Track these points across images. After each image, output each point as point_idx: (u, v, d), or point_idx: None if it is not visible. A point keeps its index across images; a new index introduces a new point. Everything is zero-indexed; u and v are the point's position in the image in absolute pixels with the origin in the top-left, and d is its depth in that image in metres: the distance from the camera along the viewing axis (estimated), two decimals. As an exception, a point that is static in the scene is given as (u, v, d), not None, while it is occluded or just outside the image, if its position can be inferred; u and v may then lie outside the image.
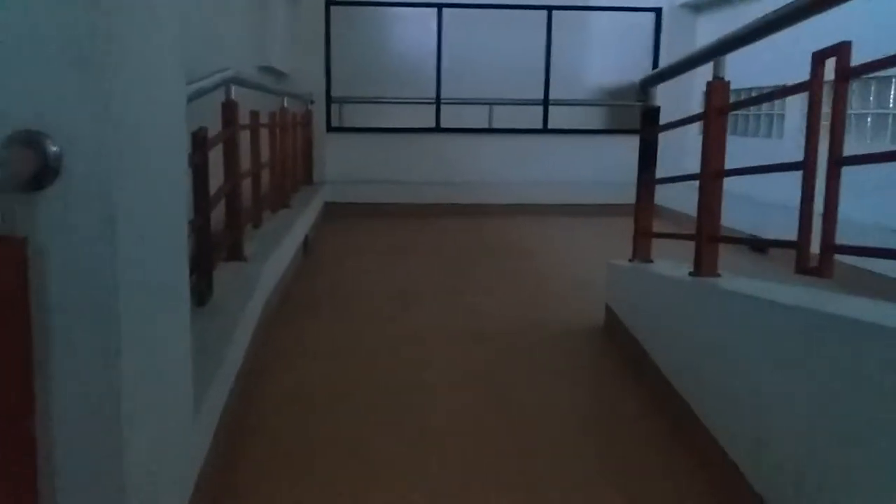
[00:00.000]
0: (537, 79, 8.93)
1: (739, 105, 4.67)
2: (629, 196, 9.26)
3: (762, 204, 6.83)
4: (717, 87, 3.17)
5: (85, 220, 1.28)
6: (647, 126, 3.91)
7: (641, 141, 3.95)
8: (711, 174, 3.19)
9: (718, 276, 3.16)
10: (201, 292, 3.18)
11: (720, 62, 3.18)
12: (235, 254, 3.91)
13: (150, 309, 1.54)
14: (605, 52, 9.38)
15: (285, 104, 6.12)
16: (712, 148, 3.17)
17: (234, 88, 3.84)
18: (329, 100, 8.79)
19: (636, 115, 9.84)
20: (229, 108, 3.83)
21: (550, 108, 8.99)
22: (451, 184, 8.82)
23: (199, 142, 3.10)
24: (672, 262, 3.80)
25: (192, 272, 3.22)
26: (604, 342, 3.98)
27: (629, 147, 9.61)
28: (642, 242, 3.92)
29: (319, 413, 2.99)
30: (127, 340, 1.37)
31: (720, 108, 3.16)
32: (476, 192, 8.78)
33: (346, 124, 8.96)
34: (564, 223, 8.23)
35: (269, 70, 7.17)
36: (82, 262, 1.29)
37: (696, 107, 8.65)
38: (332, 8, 8.73)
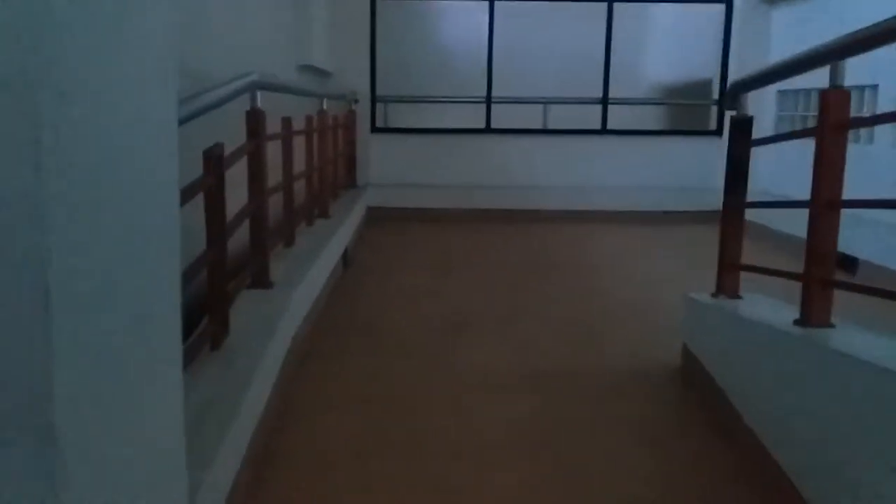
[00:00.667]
0: (596, 76, 8.34)
1: (862, 123, 4.06)
2: (695, 202, 8.75)
3: (848, 216, 6.12)
4: (834, 98, 2.59)
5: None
6: (738, 139, 3.33)
7: (730, 157, 3.37)
8: (825, 204, 2.62)
9: (832, 326, 2.59)
10: (215, 335, 2.74)
11: (838, 68, 2.60)
12: (261, 281, 3.47)
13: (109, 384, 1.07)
14: (670, 48, 8.71)
15: (325, 106, 5.67)
16: (827, 171, 2.61)
17: (260, 94, 3.38)
18: (374, 99, 8.34)
19: (703, 115, 9.28)
20: (254, 118, 3.38)
21: (610, 107, 8.38)
22: (502, 188, 8.30)
23: (214, 162, 2.65)
24: (767, 300, 3.23)
25: (204, 313, 2.79)
26: (681, 390, 3.42)
27: (694, 150, 9.02)
28: (729, 276, 3.34)
29: (341, 486, 2.52)
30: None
31: (839, 124, 2.59)
32: (529, 197, 8.23)
33: (392, 125, 8.50)
34: (626, 233, 7.63)
35: (310, 69, 6.75)
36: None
37: (767, 112, 7.96)
38: (378, 2, 8.26)
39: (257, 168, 3.42)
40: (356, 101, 7.91)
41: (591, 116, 8.41)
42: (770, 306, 3.08)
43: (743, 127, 3.32)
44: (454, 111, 8.62)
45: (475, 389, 3.37)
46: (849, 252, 5.68)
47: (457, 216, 8.07)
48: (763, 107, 8.03)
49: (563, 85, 8.43)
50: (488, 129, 8.37)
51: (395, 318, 4.48)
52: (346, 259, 5.81)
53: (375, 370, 3.58)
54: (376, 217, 7.88)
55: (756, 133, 8.67)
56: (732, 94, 3.35)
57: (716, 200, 8.35)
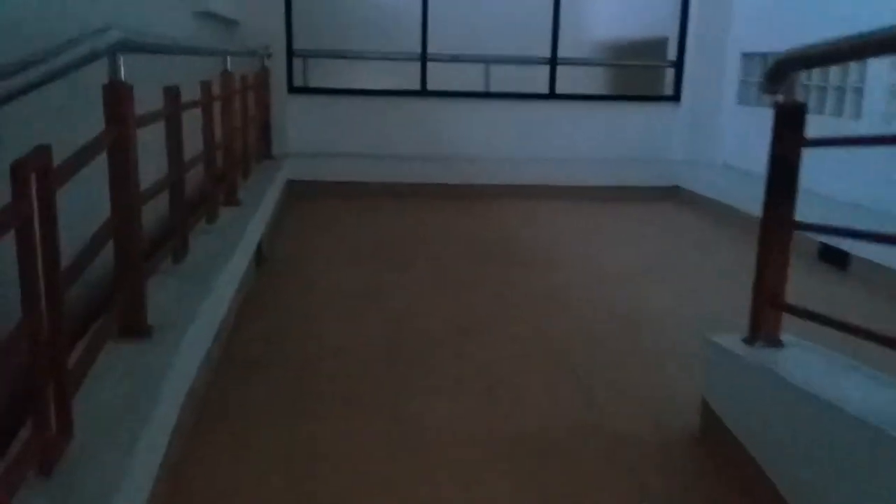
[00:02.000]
0: (543, 33, 7.41)
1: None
2: (652, 176, 7.94)
3: (835, 202, 5.49)
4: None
5: None
6: (786, 133, 2.48)
7: (774, 157, 2.53)
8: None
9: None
10: (44, 451, 1.75)
11: None
12: (133, 329, 2.46)
13: None
14: (624, 3, 7.84)
15: (228, 65, 4.57)
16: None
17: (123, 60, 2.33)
18: (291, 54, 7.19)
19: (658, 78, 8.49)
20: (114, 95, 2.33)
21: (559, 68, 7.49)
22: (440, 159, 7.34)
23: (29, 179, 1.64)
24: (817, 349, 2.45)
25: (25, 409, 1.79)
26: (704, 464, 2.62)
27: (650, 117, 8.15)
28: (770, 316, 2.53)
29: None
30: None
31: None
32: (471, 169, 7.31)
33: (313, 84, 7.38)
34: (580, 211, 6.83)
35: (210, 17, 5.58)
36: None
37: (730, 77, 7.24)
38: (295, -61, 7.08)
39: (122, 167, 2.38)
40: (269, 56, 6.76)
41: (538, 79, 7.50)
42: (826, 365, 2.31)
43: (792, 117, 2.48)
44: (385, 70, 7.58)
45: (434, 470, 2.49)
46: (839, 246, 5.01)
47: (389, 192, 7.09)
48: (728, 70, 7.31)
49: (507, 42, 7.47)
50: (424, 92, 7.37)
51: (323, 343, 3.53)
52: (261, 254, 4.79)
53: (294, 441, 2.65)
54: (297, 193, 6.83)
55: (716, 98, 7.80)
56: (779, 72, 2.49)
57: (673, 174, 7.72)
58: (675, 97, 7.65)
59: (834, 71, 5.82)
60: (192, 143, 3.60)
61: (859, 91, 5.56)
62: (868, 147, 4.73)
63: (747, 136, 7.04)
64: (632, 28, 7.82)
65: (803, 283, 5.04)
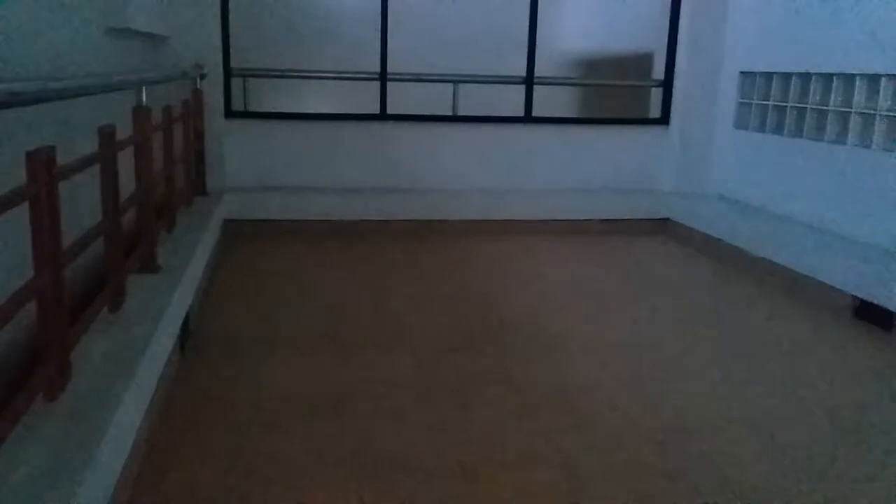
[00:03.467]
0: (518, 49, 6.57)
1: None
2: (640, 208, 6.91)
3: (868, 246, 4.78)
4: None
5: None
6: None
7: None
8: None
9: None
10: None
11: None
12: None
13: None
14: (608, 14, 7.06)
15: (143, 98, 3.58)
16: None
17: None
18: (228, 74, 6.20)
19: (643, 99, 7.68)
20: None
21: (536, 89, 6.66)
22: (404, 193, 6.44)
23: None
24: None
25: None
26: None
27: (636, 142, 7.03)
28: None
29: None
30: None
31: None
32: (439, 204, 6.42)
33: (254, 108, 6.41)
34: (566, 253, 5.98)
35: (128, 35, 4.58)
36: None
37: (725, 98, 6.52)
38: (232, -59, 6.10)
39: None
40: (202, 77, 5.78)
41: (513, 100, 6.66)
42: None
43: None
44: (339, 91, 6.64)
45: None
46: (884, 304, 4.26)
47: (346, 231, 6.16)
48: (722, 91, 6.57)
49: (479, 60, 6.61)
50: (383, 115, 6.45)
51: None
52: (187, 333, 3.81)
53: None
54: (236, 235, 5.86)
55: (710, 122, 6.92)
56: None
57: (664, 206, 6.93)
58: (664, 120, 6.89)
59: (836, 97, 5.12)
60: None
61: (869, 117, 4.85)
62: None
63: (745, 164, 6.31)
64: (614, 42, 7.03)
65: (840, 349, 4.21)
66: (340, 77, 6.51)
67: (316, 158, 6.38)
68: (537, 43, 6.53)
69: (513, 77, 6.63)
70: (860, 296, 4.45)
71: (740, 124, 6.40)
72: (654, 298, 4.89)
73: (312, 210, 6.17)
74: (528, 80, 6.60)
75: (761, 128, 6.10)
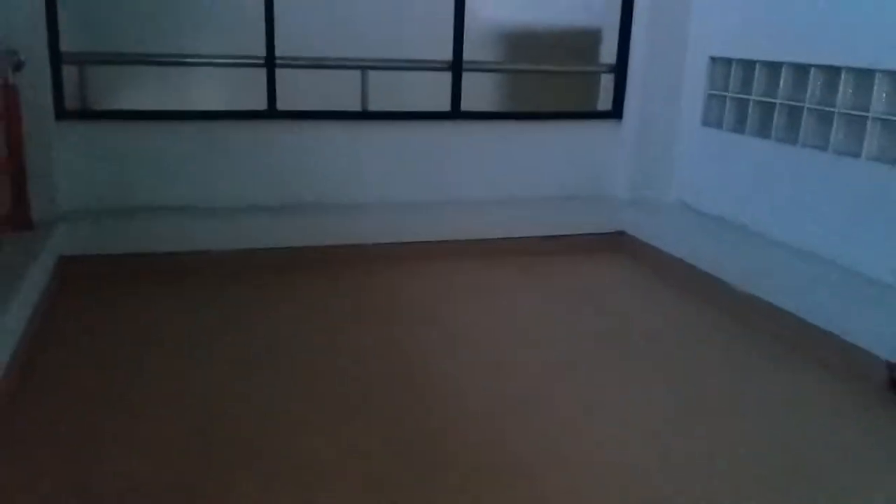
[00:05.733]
0: (443, 30, 5.25)
1: None
2: (591, 220, 5.23)
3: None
4: None
5: None
6: None
7: None
8: None
9: None
10: None
11: None
12: None
13: None
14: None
15: None
16: None
17: None
18: (58, 60, 4.60)
19: (589, 88, 6.41)
20: None
21: (465, 76, 5.36)
22: (296, 210, 5.05)
23: None
24: None
25: None
26: None
27: (587, 140, 5.71)
28: None
29: None
30: None
31: None
32: (345, 224, 5.06)
33: (97, 105, 4.85)
34: (507, 284, 4.77)
35: None
36: None
37: (691, 89, 5.41)
38: None
39: None
40: (18, 67, 4.21)
41: (438, 92, 5.35)
42: None
43: None
44: (213, 80, 5.15)
45: None
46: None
47: (227, 265, 4.75)
48: (690, 80, 5.46)
49: (393, 41, 5.26)
50: (272, 112, 5.01)
51: None
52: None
53: None
54: (75, 280, 4.37)
55: (672, 117, 5.88)
56: None
57: (618, 216, 4.83)
58: (616, 114, 5.73)
59: (820, 94, 4.06)
60: None
61: (860, 120, 3.82)
62: None
63: (716, 169, 5.24)
64: (550, 16, 5.76)
65: (872, 432, 3.06)
66: (213, 63, 5.01)
67: (183, 169, 4.90)
68: (466, 19, 5.22)
69: (436, 62, 5.31)
70: (901, 362, 3.43)
71: (710, 121, 5.31)
72: (633, 365, 3.74)
73: (177, 238, 4.70)
74: (456, 67, 5.29)
75: (738, 127, 5.02)
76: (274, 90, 4.97)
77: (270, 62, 4.93)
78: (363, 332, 3.96)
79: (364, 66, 5.19)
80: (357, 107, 5.23)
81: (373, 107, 5.25)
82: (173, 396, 3.20)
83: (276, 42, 4.87)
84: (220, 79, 5.12)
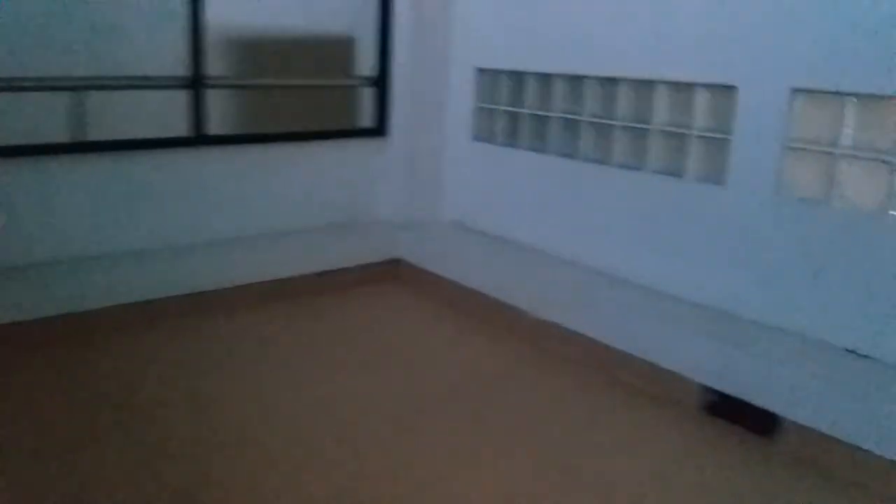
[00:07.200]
0: (175, 33, 4.33)
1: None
2: (365, 251, 4.69)
3: (771, 341, 3.74)
4: None
5: None
6: None
7: None
8: None
9: None
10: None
11: None
12: None
13: None
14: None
15: None
16: None
17: None
18: None
19: (346, 104, 5.64)
20: None
21: (209, 94, 4.49)
22: (14, 274, 3.86)
23: None
24: None
25: None
26: None
27: (349, 161, 5.13)
28: None
29: None
30: None
31: None
32: (63, 287, 3.97)
33: None
34: (276, 343, 4.03)
35: None
36: None
37: (460, 103, 5.10)
38: None
39: None
40: None
41: (172, 114, 4.41)
42: None
43: None
44: None
45: None
46: (765, 405, 3.19)
47: None
48: (458, 93, 5.11)
49: (114, 54, 4.23)
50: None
51: None
52: None
53: None
54: None
55: (444, 134, 5.50)
56: None
57: (390, 244, 4.41)
58: (380, 131, 5.23)
59: (669, 110, 3.98)
60: None
61: (721, 143, 3.78)
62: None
63: (490, 184, 4.96)
64: (292, 21, 5.08)
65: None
66: None
67: None
68: (203, 23, 4.35)
69: (171, 78, 4.37)
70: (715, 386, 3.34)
71: (480, 136, 5.01)
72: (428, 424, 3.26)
73: None
74: (197, 83, 4.39)
75: (511, 141, 4.78)
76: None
77: (-62, 82, 3.67)
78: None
79: (78, 87, 4.08)
80: (68, 137, 4.10)
81: (93, 136, 4.17)
82: None
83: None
84: None
